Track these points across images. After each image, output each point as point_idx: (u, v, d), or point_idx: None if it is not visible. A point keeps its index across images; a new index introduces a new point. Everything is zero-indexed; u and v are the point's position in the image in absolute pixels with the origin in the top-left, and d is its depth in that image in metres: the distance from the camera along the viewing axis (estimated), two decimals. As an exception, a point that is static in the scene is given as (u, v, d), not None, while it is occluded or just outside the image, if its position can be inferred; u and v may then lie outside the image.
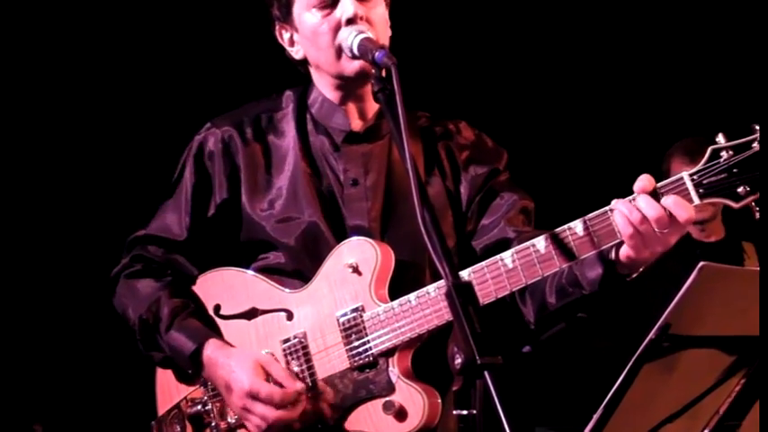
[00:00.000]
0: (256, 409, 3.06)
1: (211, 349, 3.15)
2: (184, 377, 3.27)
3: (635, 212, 2.73)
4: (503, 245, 3.15)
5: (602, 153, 6.14)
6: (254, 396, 3.06)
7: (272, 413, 3.05)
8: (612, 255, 2.85)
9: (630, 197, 2.77)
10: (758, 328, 2.51)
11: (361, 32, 3.00)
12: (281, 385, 3.08)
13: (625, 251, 2.80)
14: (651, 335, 2.40)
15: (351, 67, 3.10)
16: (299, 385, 3.08)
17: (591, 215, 2.83)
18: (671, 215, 2.71)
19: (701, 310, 2.45)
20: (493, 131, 3.39)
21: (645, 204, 2.72)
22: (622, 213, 2.75)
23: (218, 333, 3.22)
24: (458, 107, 3.66)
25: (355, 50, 3.00)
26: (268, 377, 3.10)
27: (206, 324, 3.22)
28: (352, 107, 3.24)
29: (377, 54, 2.84)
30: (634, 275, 2.87)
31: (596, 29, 6.15)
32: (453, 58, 5.95)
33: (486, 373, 2.29)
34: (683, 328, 2.44)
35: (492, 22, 6.03)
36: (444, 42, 5.92)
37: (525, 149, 4.70)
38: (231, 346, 3.18)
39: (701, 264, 2.37)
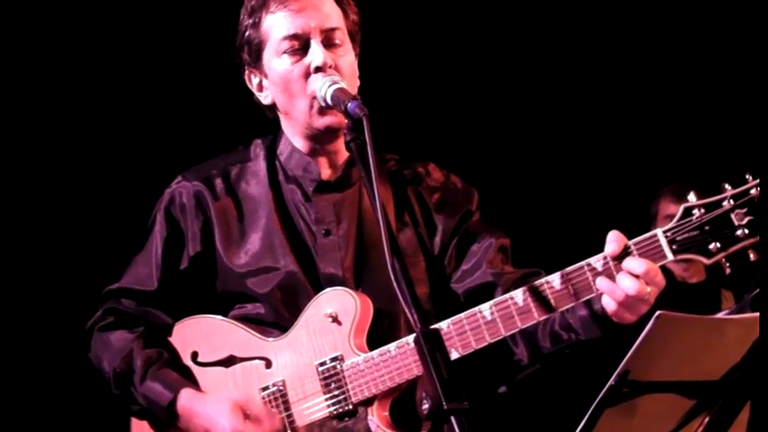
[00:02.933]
0: None
1: (185, 399, 3.16)
2: (160, 426, 3.26)
3: (618, 292, 2.80)
4: (486, 288, 3.20)
5: (577, 192, 6.18)
6: None
7: None
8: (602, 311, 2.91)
9: (604, 256, 2.84)
10: (716, 373, 2.58)
11: (335, 83, 3.04)
12: (260, 423, 3.09)
13: (611, 317, 2.87)
14: (611, 381, 2.47)
15: (321, 121, 3.15)
16: (279, 417, 3.11)
17: (568, 269, 2.90)
18: (647, 284, 2.79)
19: (659, 356, 2.51)
20: (461, 171, 3.42)
21: (626, 282, 2.79)
22: (606, 295, 2.82)
23: (193, 381, 3.23)
24: (426, 148, 3.71)
25: (329, 101, 3.03)
26: (246, 416, 3.10)
27: (181, 373, 3.23)
28: (321, 156, 3.27)
29: (349, 105, 2.87)
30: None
31: (562, 73, 6.19)
32: (420, 99, 5.99)
33: (452, 419, 2.34)
34: (641, 374, 2.51)
35: (459, 62, 6.08)
36: (411, 83, 5.97)
37: (496, 187, 4.73)
38: (204, 394, 3.19)
39: (658, 312, 2.45)
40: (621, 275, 2.81)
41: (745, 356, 2.57)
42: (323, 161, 3.28)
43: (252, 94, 3.32)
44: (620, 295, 2.80)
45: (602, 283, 2.83)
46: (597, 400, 2.49)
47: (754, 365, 2.53)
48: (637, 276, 2.79)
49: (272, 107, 3.30)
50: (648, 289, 2.78)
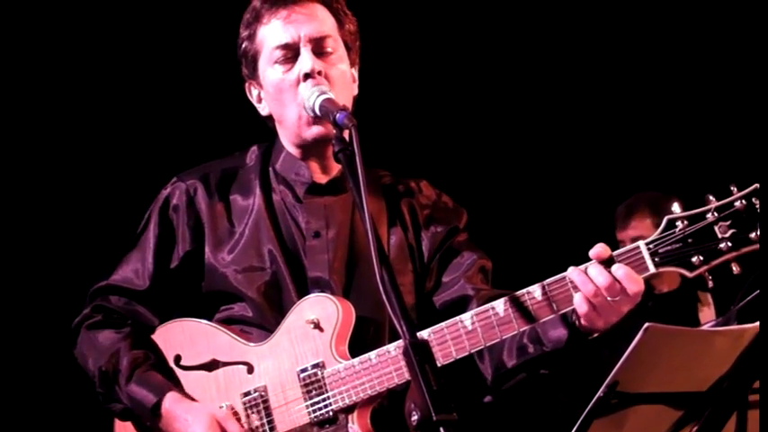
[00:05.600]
0: None
1: (170, 402, 3.15)
2: (143, 429, 3.26)
3: (589, 285, 2.81)
4: (462, 301, 3.23)
5: (562, 212, 6.21)
6: None
7: None
8: (574, 317, 2.93)
9: (584, 265, 2.86)
10: (703, 383, 2.59)
11: (323, 93, 3.06)
12: None
13: (581, 320, 2.89)
14: (599, 392, 2.48)
15: (310, 132, 3.18)
16: None
17: (549, 280, 2.91)
18: (621, 285, 2.80)
19: (647, 367, 2.52)
20: (453, 190, 3.45)
21: (596, 273, 2.82)
22: (577, 287, 2.83)
23: (178, 385, 3.23)
24: (419, 166, 3.73)
25: (317, 111, 3.06)
26: None
27: (166, 376, 3.23)
28: (314, 163, 3.29)
29: (338, 116, 2.90)
30: (595, 335, 2.94)
31: (543, 91, 6.24)
32: (415, 118, 6.03)
33: (441, 430, 2.35)
34: (630, 385, 2.53)
35: (450, 82, 6.12)
36: (406, 102, 6.00)
37: (485, 209, 4.76)
38: (191, 398, 3.20)
39: (647, 325, 2.46)
40: (592, 266, 2.82)
41: (733, 367, 2.59)
42: (315, 165, 3.30)
43: (254, 107, 3.35)
44: (590, 289, 2.80)
45: (573, 273, 2.84)
46: (586, 411, 2.50)
47: (744, 376, 2.55)
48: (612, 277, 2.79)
49: (271, 118, 3.32)
50: (618, 287, 2.78)
